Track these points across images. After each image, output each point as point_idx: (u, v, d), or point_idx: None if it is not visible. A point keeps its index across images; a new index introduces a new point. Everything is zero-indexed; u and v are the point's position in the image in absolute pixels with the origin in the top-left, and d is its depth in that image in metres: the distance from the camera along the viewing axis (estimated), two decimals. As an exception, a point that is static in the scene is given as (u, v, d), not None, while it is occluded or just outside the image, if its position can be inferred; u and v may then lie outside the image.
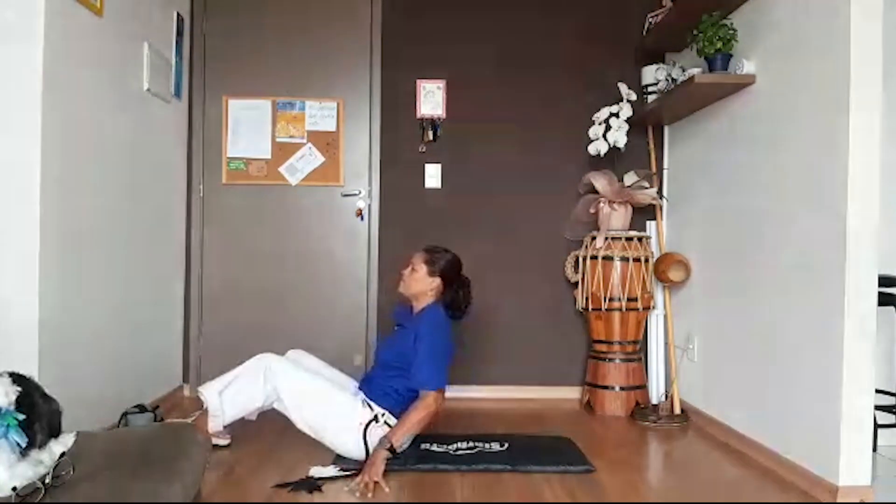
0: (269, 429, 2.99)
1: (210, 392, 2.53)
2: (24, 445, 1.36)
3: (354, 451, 2.49)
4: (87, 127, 2.61)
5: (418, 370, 2.52)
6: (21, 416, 1.38)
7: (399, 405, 2.54)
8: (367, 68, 3.72)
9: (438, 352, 2.56)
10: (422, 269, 2.71)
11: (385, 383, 2.60)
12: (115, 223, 2.86)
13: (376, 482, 2.26)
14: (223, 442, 2.64)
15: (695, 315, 3.33)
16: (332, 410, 2.53)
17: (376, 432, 2.47)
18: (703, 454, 2.78)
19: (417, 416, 2.45)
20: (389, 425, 2.49)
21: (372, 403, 2.55)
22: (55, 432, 1.47)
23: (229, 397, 2.53)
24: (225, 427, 2.60)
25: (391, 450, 2.37)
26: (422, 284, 2.70)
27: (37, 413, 1.44)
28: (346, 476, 2.35)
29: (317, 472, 2.38)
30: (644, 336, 3.58)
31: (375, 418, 2.50)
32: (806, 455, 2.39)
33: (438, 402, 2.50)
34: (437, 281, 2.70)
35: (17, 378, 1.45)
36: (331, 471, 2.39)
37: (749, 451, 2.73)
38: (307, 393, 2.54)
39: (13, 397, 1.40)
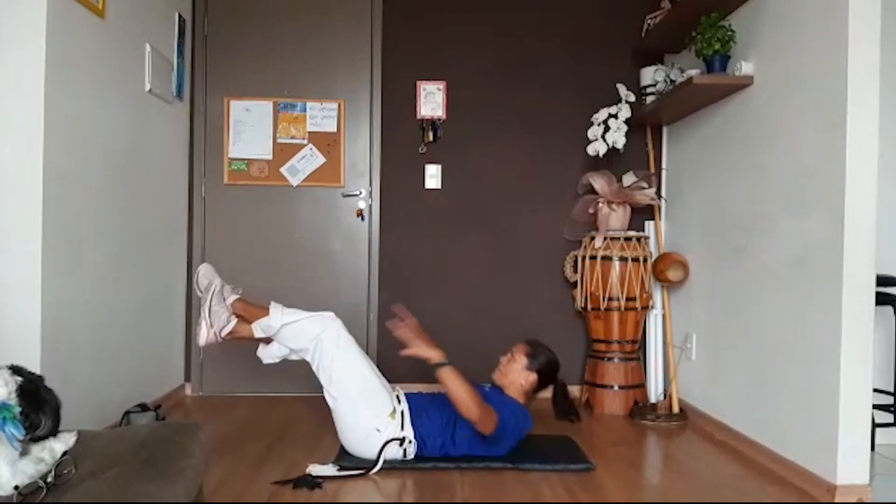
0: (270, 428, 3.01)
1: (278, 314, 2.55)
2: (20, 438, 1.35)
3: (361, 448, 2.48)
4: (89, 128, 2.63)
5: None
6: (17, 409, 1.37)
7: (439, 446, 2.49)
8: (368, 69, 3.73)
9: (512, 428, 2.49)
10: (521, 360, 2.71)
11: (444, 423, 2.51)
12: (117, 223, 2.87)
13: (415, 349, 2.39)
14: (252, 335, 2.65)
15: (693, 314, 3.34)
16: (364, 402, 2.47)
17: (394, 449, 2.45)
18: (702, 453, 2.79)
19: (473, 400, 2.34)
20: (407, 452, 2.46)
21: (408, 425, 2.48)
22: (59, 422, 1.47)
23: (287, 328, 2.54)
24: (260, 340, 2.64)
25: (439, 363, 2.36)
26: (517, 376, 2.69)
27: (42, 398, 1.43)
28: (345, 476, 2.36)
29: (315, 469, 2.38)
30: (643, 335, 3.59)
31: (400, 441, 2.46)
32: (804, 454, 2.40)
33: (483, 421, 2.38)
34: (532, 376, 2.70)
35: (16, 370, 1.45)
36: (329, 469, 2.39)
37: (747, 450, 2.74)
38: (353, 366, 2.50)
39: (13, 387, 1.39)
